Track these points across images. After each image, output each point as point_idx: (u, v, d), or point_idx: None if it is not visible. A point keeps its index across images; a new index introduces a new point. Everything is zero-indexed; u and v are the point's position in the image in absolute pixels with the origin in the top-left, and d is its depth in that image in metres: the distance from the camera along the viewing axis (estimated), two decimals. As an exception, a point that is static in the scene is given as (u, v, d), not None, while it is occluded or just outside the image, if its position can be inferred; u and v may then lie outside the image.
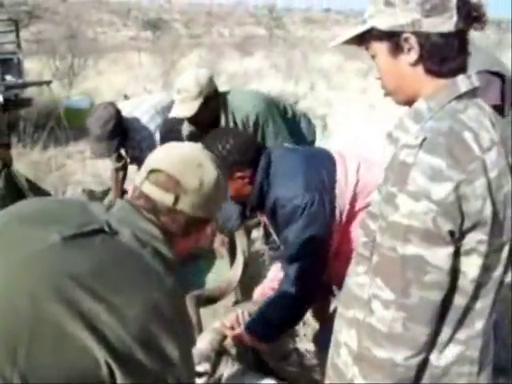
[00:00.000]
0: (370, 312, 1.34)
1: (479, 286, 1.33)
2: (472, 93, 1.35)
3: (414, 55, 1.34)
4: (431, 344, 1.34)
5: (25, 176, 4.00)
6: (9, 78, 8.39)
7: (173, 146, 1.55)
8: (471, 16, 1.32)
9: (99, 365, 1.19)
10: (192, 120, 3.20)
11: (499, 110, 2.35)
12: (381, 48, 1.38)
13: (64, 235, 1.29)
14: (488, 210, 1.26)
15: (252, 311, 2.34)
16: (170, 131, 3.51)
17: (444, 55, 1.33)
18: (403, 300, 1.29)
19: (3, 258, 1.28)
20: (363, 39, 1.41)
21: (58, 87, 12.93)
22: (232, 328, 2.28)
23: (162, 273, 1.33)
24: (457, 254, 1.28)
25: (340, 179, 2.26)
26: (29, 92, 9.40)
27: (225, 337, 2.25)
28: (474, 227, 1.26)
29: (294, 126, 3.50)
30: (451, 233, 1.25)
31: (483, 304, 1.35)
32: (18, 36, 8.65)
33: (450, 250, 1.26)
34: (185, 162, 1.46)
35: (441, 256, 1.26)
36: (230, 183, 2.15)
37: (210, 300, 2.56)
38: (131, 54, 20.73)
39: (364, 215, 1.50)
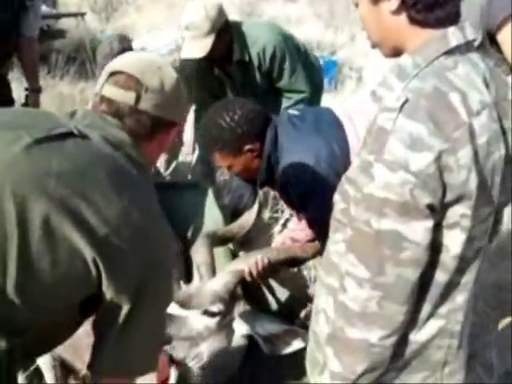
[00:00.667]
0: (342, 290, 1.26)
1: (462, 260, 1.24)
2: (466, 47, 1.21)
3: (394, 2, 1.20)
4: (410, 321, 1.27)
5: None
6: (43, 7, 8.26)
7: (132, 53, 1.60)
8: None
9: (88, 267, 1.23)
10: (204, 59, 2.98)
11: None
12: None
13: (35, 137, 1.27)
14: (473, 182, 1.15)
15: (272, 257, 2.28)
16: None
17: (429, 1, 1.18)
18: (378, 278, 1.20)
19: None
20: None
21: (94, 21, 12.76)
22: (250, 274, 2.22)
23: (136, 176, 1.34)
24: (439, 228, 1.19)
25: (353, 143, 2.17)
26: (64, 24, 9.28)
27: (241, 280, 2.23)
28: (457, 200, 1.16)
29: (307, 63, 3.31)
30: (430, 206, 1.15)
31: (467, 278, 1.27)
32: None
33: (429, 224, 1.16)
34: (145, 64, 1.46)
35: (419, 231, 1.16)
36: (239, 158, 2.18)
37: (222, 240, 2.53)
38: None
39: (342, 179, 1.38)
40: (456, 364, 1.38)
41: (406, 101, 1.15)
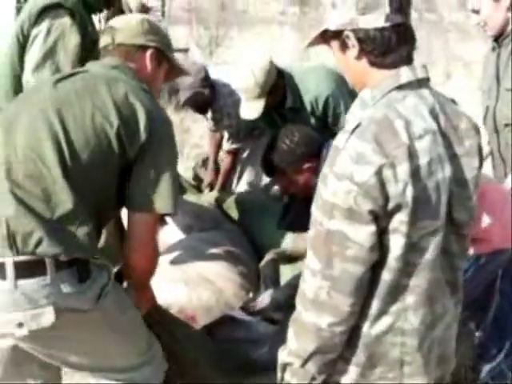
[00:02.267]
0: (303, 279, 1.47)
1: (407, 264, 1.42)
2: (418, 84, 1.44)
3: (355, 50, 1.46)
4: (362, 315, 1.45)
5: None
6: (151, 43, 8.98)
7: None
8: (402, 9, 1.43)
9: (113, 138, 1.73)
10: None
11: None
12: (334, 46, 1.52)
13: (56, 79, 1.87)
14: (409, 194, 1.34)
15: None
16: None
17: (383, 48, 1.43)
18: (327, 270, 1.40)
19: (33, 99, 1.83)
20: (325, 39, 1.55)
21: (198, 55, 13.47)
22: None
23: (128, 78, 1.90)
24: (386, 232, 1.38)
25: None
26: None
27: None
28: (397, 208, 1.36)
29: None
30: (372, 212, 1.35)
31: (415, 282, 1.44)
32: (163, 5, 9.16)
33: (372, 228, 1.36)
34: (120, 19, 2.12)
35: (361, 233, 1.36)
36: (300, 176, 2.53)
37: (290, 258, 2.73)
38: (276, 28, 21.02)
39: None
40: (415, 366, 1.51)
41: (359, 125, 1.39)
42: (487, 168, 2.89)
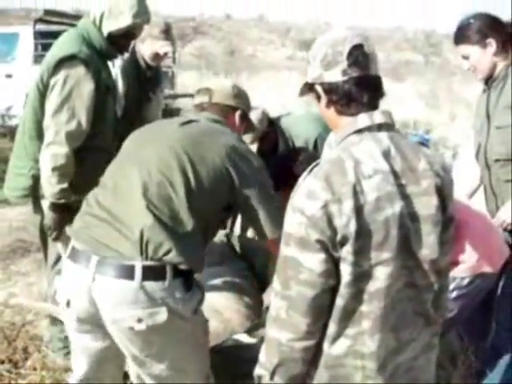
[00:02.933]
0: (271, 301, 1.64)
1: (360, 291, 1.52)
2: (377, 128, 1.58)
3: (324, 101, 1.65)
4: (324, 335, 1.57)
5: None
6: (164, 89, 9.24)
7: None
8: (360, 63, 1.59)
9: (224, 176, 2.07)
10: None
11: None
12: (313, 96, 1.71)
13: (179, 122, 2.23)
14: (352, 227, 1.47)
15: None
16: None
17: (346, 99, 1.60)
18: (285, 291, 1.55)
19: (158, 138, 2.18)
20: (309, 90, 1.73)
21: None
22: None
23: (227, 130, 2.27)
24: (339, 261, 1.50)
25: None
26: (182, 103, 10.22)
27: None
28: (344, 239, 1.48)
29: None
30: (320, 242, 1.48)
31: (369, 308, 1.52)
32: (174, 52, 9.43)
33: (321, 256, 1.49)
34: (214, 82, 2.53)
35: (312, 260, 1.50)
36: None
37: None
38: (284, 73, 21.47)
39: None
40: None
41: (317, 164, 1.58)
42: (480, 200, 3.07)
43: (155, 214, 1.95)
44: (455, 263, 2.60)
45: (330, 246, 1.49)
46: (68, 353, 3.13)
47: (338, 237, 1.48)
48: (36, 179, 2.89)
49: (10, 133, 6.81)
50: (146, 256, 1.91)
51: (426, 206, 1.57)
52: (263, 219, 2.15)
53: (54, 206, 2.84)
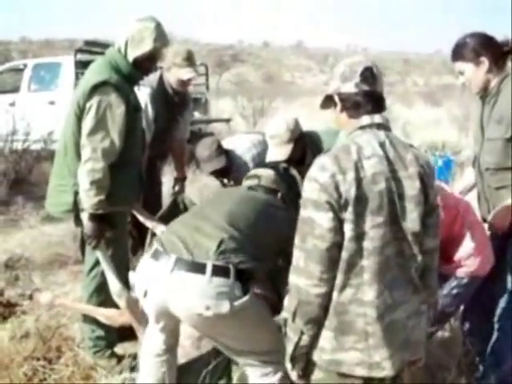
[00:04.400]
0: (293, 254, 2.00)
1: (360, 248, 1.90)
2: (376, 127, 2.01)
3: (339, 107, 2.08)
4: (333, 286, 1.92)
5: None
6: (196, 114, 9.62)
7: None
8: (369, 81, 2.03)
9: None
10: (284, 161, 3.55)
11: None
12: (332, 104, 2.12)
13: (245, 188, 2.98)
14: (352, 193, 1.88)
15: None
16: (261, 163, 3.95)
17: (355, 106, 2.03)
18: (303, 244, 1.93)
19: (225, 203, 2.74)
20: (330, 102, 2.12)
21: (242, 125, 14.18)
22: None
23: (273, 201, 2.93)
24: (343, 222, 1.89)
25: None
26: (215, 128, 10.57)
27: None
28: (346, 203, 1.88)
29: None
30: (329, 203, 1.88)
31: (367, 263, 1.91)
32: (207, 79, 9.86)
33: (330, 215, 1.88)
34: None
35: (323, 217, 1.88)
36: None
37: None
38: (320, 99, 21.67)
39: None
40: (378, 338, 1.92)
41: (329, 149, 2.01)
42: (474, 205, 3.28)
43: (229, 228, 2.51)
44: (459, 265, 3.00)
45: (336, 208, 1.88)
46: (97, 351, 3.46)
47: (342, 200, 1.88)
48: (77, 195, 3.19)
49: (52, 156, 7.19)
50: (217, 258, 2.38)
51: (411, 187, 1.97)
52: None
53: (93, 217, 3.13)
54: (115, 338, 3.53)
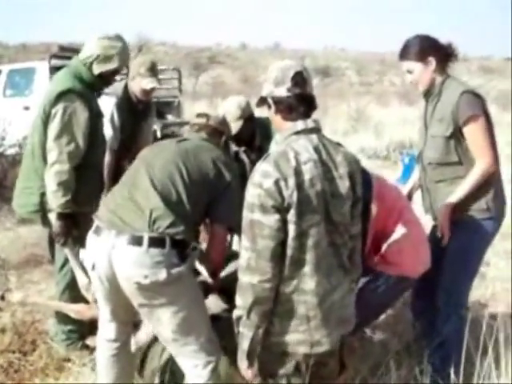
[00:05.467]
0: (240, 257, 2.18)
1: (301, 244, 2.12)
2: (310, 131, 2.19)
3: (273, 109, 2.27)
4: (280, 279, 2.12)
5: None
6: (170, 117, 9.80)
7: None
8: (300, 84, 2.21)
9: (209, 174, 2.71)
10: (234, 138, 3.69)
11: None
12: (266, 107, 2.30)
13: (176, 140, 2.91)
14: (294, 197, 2.08)
15: None
16: None
17: (288, 108, 2.22)
18: (253, 245, 2.11)
19: (162, 156, 2.77)
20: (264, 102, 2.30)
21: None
22: None
23: (213, 147, 2.89)
24: (286, 222, 2.09)
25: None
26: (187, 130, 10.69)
27: None
28: (289, 206, 2.08)
29: None
30: (274, 207, 2.08)
31: (308, 257, 2.13)
32: (180, 83, 10.02)
33: (276, 217, 2.08)
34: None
35: (270, 220, 2.08)
36: None
37: None
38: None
39: None
40: (318, 320, 2.17)
41: (268, 155, 2.18)
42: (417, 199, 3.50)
43: (161, 200, 2.58)
44: (390, 263, 3.04)
45: (281, 210, 2.09)
46: (70, 344, 3.66)
47: (285, 204, 2.08)
48: (44, 196, 3.39)
49: (27, 160, 7.30)
50: (152, 229, 2.51)
51: (342, 186, 2.20)
52: (221, 210, 2.77)
53: (61, 216, 3.34)
54: (86, 330, 3.70)
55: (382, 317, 3.71)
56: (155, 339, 2.99)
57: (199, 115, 3.11)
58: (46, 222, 3.50)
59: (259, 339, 2.18)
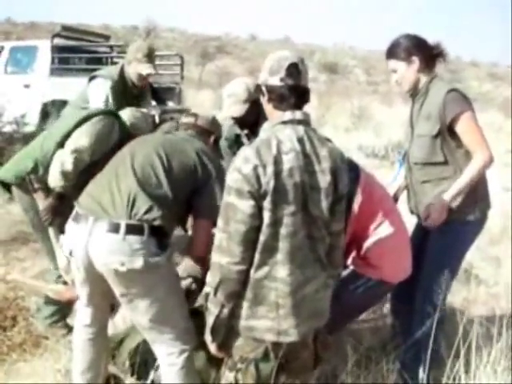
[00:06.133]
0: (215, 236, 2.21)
1: (275, 232, 2.14)
2: (297, 122, 2.21)
3: (266, 98, 2.29)
4: (249, 263, 2.16)
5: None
6: (170, 103, 9.77)
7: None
8: (293, 75, 2.22)
9: (192, 164, 2.75)
10: (238, 120, 3.65)
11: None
12: (260, 94, 2.33)
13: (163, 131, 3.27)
14: (271, 185, 2.09)
15: None
16: None
17: (280, 98, 2.24)
18: (226, 227, 2.14)
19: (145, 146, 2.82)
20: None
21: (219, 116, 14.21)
22: None
23: (200, 142, 2.95)
24: (262, 209, 2.11)
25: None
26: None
27: None
28: (265, 193, 2.10)
29: None
30: (250, 192, 2.09)
31: (281, 245, 2.15)
32: (182, 70, 9.97)
33: (251, 202, 2.10)
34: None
35: (244, 205, 2.10)
36: None
37: None
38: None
39: None
40: (288, 308, 2.18)
41: (252, 142, 2.21)
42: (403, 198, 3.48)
43: (139, 186, 2.59)
44: (371, 265, 2.99)
45: (256, 196, 2.11)
46: (52, 322, 3.68)
47: (262, 190, 2.10)
48: (37, 166, 3.39)
49: (24, 139, 7.32)
50: (129, 216, 2.51)
51: (322, 181, 2.20)
52: (205, 203, 2.77)
53: (57, 196, 3.31)
54: (69, 310, 3.71)
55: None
56: (132, 328, 3.01)
57: (187, 115, 3.13)
58: (26, 190, 3.47)
59: (224, 317, 2.22)
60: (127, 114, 3.64)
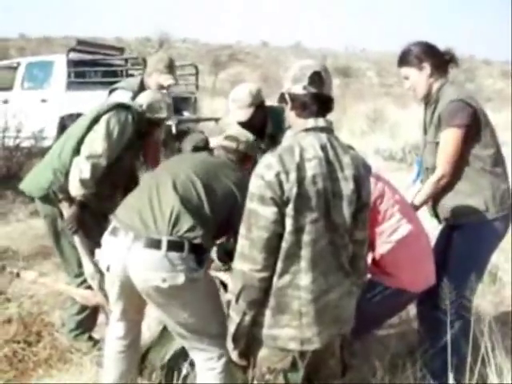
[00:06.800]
0: (238, 243, 2.20)
1: (298, 240, 2.12)
2: (320, 129, 2.21)
3: (289, 106, 2.27)
4: (274, 272, 2.14)
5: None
6: (186, 113, 9.82)
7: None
8: (316, 84, 2.22)
9: (231, 193, 2.73)
10: (244, 124, 3.59)
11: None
12: (284, 102, 2.31)
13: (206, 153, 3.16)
14: (294, 191, 2.08)
15: None
16: None
17: (303, 106, 2.24)
18: (248, 233, 2.14)
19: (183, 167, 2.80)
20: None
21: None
22: None
23: (230, 164, 2.95)
24: (284, 216, 2.10)
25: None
26: (204, 126, 10.71)
27: None
28: (288, 200, 2.09)
29: None
30: (273, 199, 2.09)
31: (304, 253, 2.13)
32: (197, 79, 10.04)
33: (274, 209, 2.09)
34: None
35: (267, 211, 2.10)
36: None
37: None
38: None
39: None
40: (311, 317, 2.16)
41: (275, 149, 2.19)
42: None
43: (182, 204, 2.59)
44: (386, 273, 2.94)
45: (279, 203, 2.10)
46: (76, 335, 3.69)
47: (285, 197, 2.09)
48: (56, 177, 3.40)
49: (42, 153, 7.38)
50: (171, 233, 2.51)
51: (345, 188, 2.19)
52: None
53: (79, 204, 3.35)
54: (94, 323, 3.74)
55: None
56: (158, 340, 3.03)
57: (228, 137, 3.06)
58: (51, 201, 3.49)
59: (246, 325, 2.21)
60: (147, 96, 3.65)
